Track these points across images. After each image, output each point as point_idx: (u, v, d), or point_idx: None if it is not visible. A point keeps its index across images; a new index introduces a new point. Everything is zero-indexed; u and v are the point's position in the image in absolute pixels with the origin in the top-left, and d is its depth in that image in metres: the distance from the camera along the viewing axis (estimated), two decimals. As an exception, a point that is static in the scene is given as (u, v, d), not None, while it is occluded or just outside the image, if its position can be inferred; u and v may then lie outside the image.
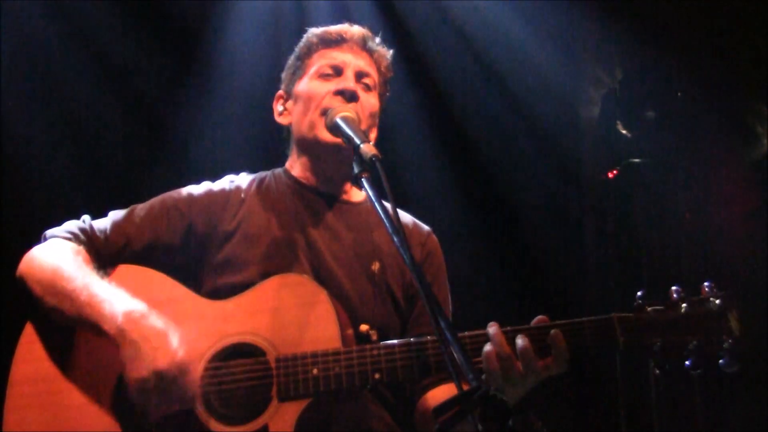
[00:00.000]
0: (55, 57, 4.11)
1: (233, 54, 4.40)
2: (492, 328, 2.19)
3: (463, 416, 1.59)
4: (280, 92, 2.74)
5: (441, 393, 2.45)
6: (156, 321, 2.23)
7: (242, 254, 2.48)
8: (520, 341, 2.16)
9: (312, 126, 2.54)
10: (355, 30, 2.69)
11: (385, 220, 2.00)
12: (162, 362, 2.16)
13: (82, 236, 2.47)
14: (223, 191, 2.61)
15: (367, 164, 2.13)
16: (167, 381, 2.16)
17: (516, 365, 2.15)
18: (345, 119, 2.38)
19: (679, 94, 4.63)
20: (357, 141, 2.21)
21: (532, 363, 2.15)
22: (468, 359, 1.68)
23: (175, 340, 2.21)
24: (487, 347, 2.17)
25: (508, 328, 2.21)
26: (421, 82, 4.65)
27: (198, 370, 2.26)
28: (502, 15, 4.65)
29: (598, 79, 4.91)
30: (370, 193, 2.10)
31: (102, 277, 2.37)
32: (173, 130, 4.33)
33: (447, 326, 1.75)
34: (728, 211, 4.55)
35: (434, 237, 2.71)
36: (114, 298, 2.27)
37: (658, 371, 2.21)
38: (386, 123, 2.76)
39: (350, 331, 2.34)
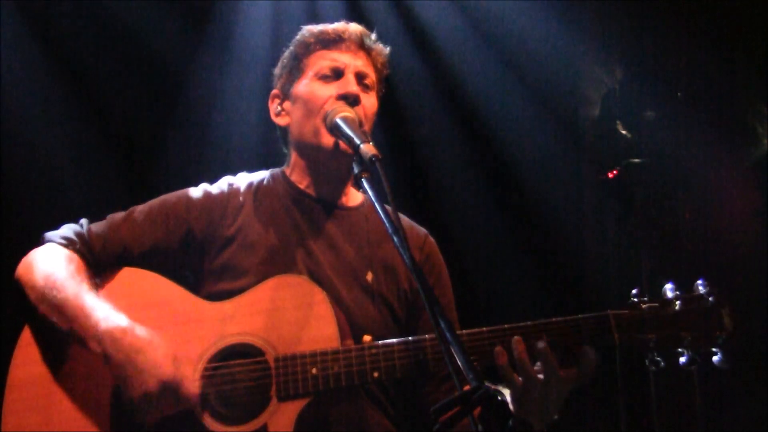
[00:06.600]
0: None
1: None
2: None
3: (463, 416, 1.59)
4: (276, 91, 2.70)
5: None
6: (139, 335, 2.23)
7: (240, 261, 2.47)
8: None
9: (315, 132, 2.51)
10: (353, 28, 2.66)
11: (385, 221, 2.00)
12: (161, 372, 2.18)
13: (78, 242, 2.46)
14: (221, 194, 2.60)
15: (367, 164, 2.13)
16: (169, 388, 2.18)
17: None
18: (345, 119, 2.37)
19: (679, 94, 4.63)
20: (357, 141, 2.21)
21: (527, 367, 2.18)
22: (468, 360, 1.68)
23: (161, 350, 2.22)
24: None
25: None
26: (418, 82, 4.66)
27: (192, 371, 2.26)
28: (502, 14, 4.65)
29: (598, 79, 4.90)
30: (370, 193, 2.10)
31: (95, 285, 2.37)
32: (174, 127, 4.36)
33: (447, 327, 1.75)
34: (728, 211, 4.54)
35: (431, 239, 2.70)
36: (97, 314, 2.27)
37: (653, 368, 2.23)
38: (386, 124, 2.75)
39: (348, 331, 2.34)
